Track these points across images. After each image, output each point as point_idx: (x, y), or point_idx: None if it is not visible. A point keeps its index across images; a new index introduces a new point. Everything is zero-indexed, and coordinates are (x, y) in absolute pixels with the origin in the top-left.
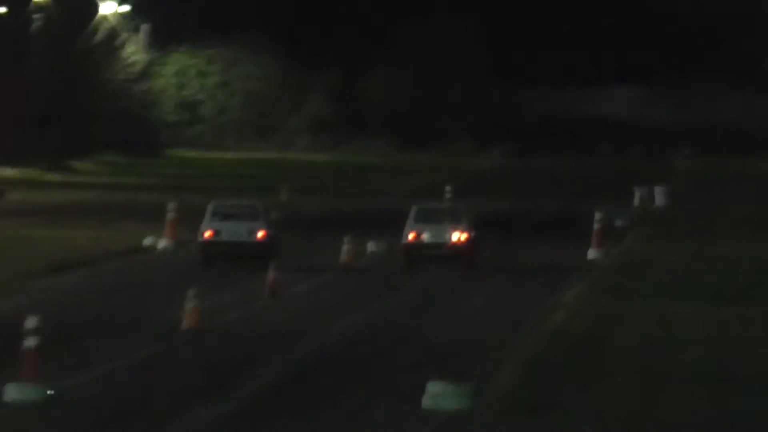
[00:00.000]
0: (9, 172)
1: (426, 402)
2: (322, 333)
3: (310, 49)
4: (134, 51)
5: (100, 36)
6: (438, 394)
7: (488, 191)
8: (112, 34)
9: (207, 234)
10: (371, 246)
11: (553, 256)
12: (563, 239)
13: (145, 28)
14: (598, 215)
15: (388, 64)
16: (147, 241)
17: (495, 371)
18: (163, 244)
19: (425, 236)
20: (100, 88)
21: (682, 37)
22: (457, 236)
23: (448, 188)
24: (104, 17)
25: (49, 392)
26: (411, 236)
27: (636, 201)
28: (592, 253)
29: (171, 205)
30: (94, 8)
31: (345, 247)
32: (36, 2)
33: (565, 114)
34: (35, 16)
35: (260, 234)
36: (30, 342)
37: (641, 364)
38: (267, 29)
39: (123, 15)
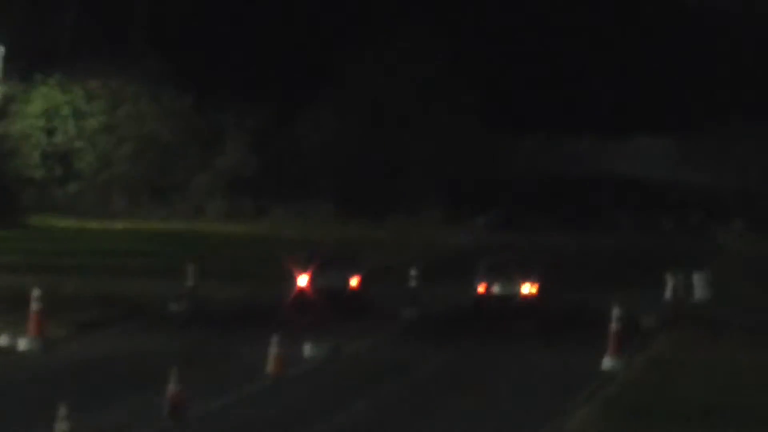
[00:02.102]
0: None
1: None
2: None
3: (226, 83)
4: None
5: None
6: None
7: (467, 275)
8: None
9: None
10: (308, 349)
11: (555, 364)
12: (569, 342)
13: None
14: (616, 311)
15: (330, 104)
16: (2, 341)
17: None
18: (25, 344)
19: (495, 288)
20: None
21: (725, 73)
22: (528, 288)
23: (413, 272)
24: None
25: None
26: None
27: (668, 292)
28: (608, 362)
29: (36, 292)
30: None
31: (272, 351)
32: None
33: (572, 173)
34: None
35: (354, 282)
36: None
37: None
38: (167, 55)
39: None
